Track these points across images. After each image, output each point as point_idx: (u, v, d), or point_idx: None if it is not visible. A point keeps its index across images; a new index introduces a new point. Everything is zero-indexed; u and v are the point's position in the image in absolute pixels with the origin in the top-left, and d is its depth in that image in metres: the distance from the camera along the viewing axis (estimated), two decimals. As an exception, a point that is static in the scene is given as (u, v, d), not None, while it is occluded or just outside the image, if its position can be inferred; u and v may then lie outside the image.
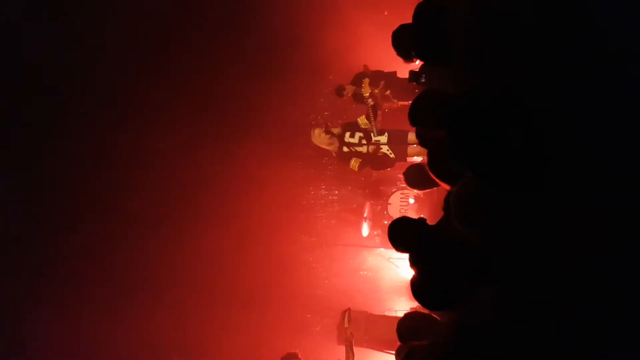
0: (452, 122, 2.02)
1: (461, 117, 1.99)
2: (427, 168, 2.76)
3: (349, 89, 6.82)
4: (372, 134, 6.74)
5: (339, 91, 6.89)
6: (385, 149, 6.80)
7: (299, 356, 5.99)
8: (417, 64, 3.98)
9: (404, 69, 7.38)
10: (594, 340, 1.69)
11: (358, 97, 6.78)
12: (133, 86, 7.91)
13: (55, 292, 7.53)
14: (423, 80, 4.01)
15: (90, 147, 8.02)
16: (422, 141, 3.52)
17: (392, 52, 3.68)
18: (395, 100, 6.86)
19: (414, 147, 6.61)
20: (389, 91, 6.78)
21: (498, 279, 1.89)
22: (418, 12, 2.86)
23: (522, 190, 1.87)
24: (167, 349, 8.00)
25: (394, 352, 4.87)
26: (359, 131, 6.80)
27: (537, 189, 1.84)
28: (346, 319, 6.26)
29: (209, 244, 7.90)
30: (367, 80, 6.61)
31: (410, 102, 2.93)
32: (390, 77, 6.78)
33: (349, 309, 6.40)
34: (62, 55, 7.85)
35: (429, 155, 2.80)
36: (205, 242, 7.92)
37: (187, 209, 8.09)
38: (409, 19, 3.17)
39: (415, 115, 2.90)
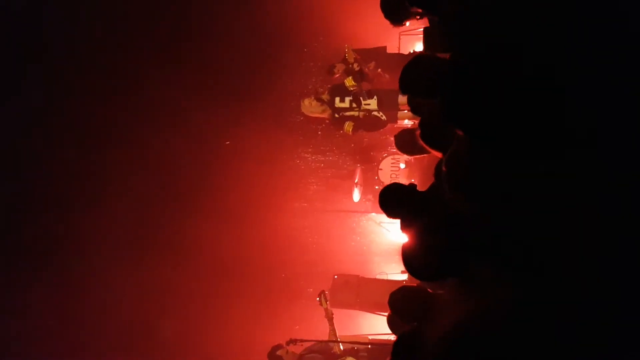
0: (447, 81, 1.99)
1: (456, 77, 1.96)
2: (418, 136, 2.75)
3: (339, 67, 6.79)
4: (360, 98, 6.73)
5: (330, 70, 6.87)
6: (375, 112, 6.82)
7: (284, 346, 6.14)
8: (407, 25, 3.91)
9: (393, 43, 7.38)
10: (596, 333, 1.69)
11: (349, 73, 6.77)
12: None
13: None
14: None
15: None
16: (413, 107, 3.50)
17: (380, 26, 3.62)
18: (386, 75, 6.89)
19: (405, 112, 6.60)
20: (380, 69, 6.78)
21: (492, 251, 1.90)
22: None
23: (516, 157, 1.86)
24: (159, 314, 8.10)
25: (385, 314, 4.97)
26: (348, 95, 6.78)
27: (533, 156, 1.84)
28: (323, 299, 6.41)
29: (198, 212, 7.92)
30: (349, 47, 6.59)
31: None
32: (380, 55, 6.77)
33: (323, 291, 6.53)
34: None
35: (421, 123, 2.78)
36: (195, 210, 7.94)
37: (178, 182, 8.09)
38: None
39: (406, 82, 2.86)
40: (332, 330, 6.31)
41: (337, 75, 6.80)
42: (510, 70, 1.95)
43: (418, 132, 2.75)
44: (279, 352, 6.14)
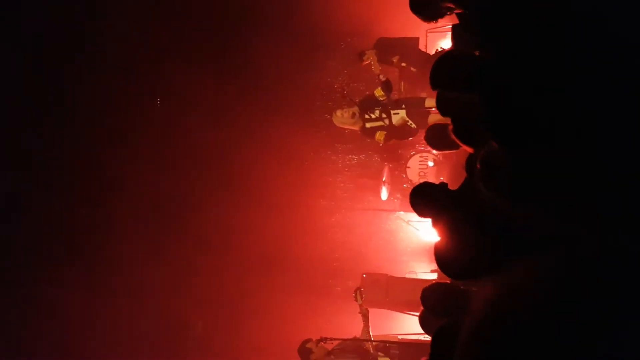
0: (484, 86, 1.96)
1: (495, 81, 1.92)
2: (451, 132, 2.70)
3: (370, 54, 6.77)
4: (389, 107, 6.75)
5: (361, 56, 6.86)
6: (405, 121, 6.83)
7: (314, 340, 6.19)
8: (438, 24, 3.87)
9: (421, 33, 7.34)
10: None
11: (380, 59, 6.77)
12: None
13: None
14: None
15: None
16: (442, 105, 3.45)
17: (406, 24, 3.59)
18: (412, 69, 6.84)
19: (435, 115, 6.55)
20: (404, 63, 6.74)
21: (531, 250, 1.87)
22: None
23: (555, 158, 1.83)
24: (189, 311, 8.20)
25: (416, 314, 4.94)
26: (378, 106, 6.79)
27: (571, 157, 1.80)
28: (358, 296, 6.44)
29: (228, 209, 7.99)
30: (375, 58, 6.59)
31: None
32: (405, 47, 6.74)
33: (359, 288, 6.56)
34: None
35: (453, 118, 2.73)
36: (224, 207, 8.01)
37: (208, 176, 8.16)
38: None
39: (437, 76, 2.81)
40: (366, 327, 6.32)
41: (367, 63, 6.78)
42: (547, 76, 1.91)
43: (450, 127, 2.71)
44: (308, 345, 6.18)
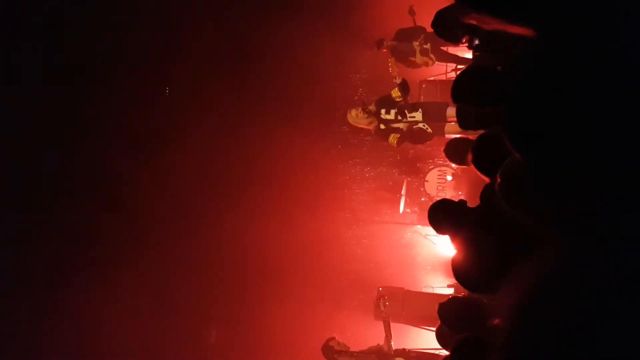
0: (509, 101, 1.97)
1: (518, 96, 1.93)
2: (470, 161, 2.69)
3: (387, 42, 6.81)
4: (405, 110, 6.71)
5: (379, 44, 6.86)
6: (421, 125, 6.76)
7: (337, 339, 6.32)
8: (464, 44, 3.88)
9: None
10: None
11: (395, 52, 6.75)
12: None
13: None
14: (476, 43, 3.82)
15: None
16: (462, 119, 3.46)
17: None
18: (432, 57, 6.80)
19: (453, 125, 6.51)
20: (428, 44, 6.72)
21: (550, 263, 1.87)
22: None
23: (578, 173, 1.83)
24: (206, 323, 8.23)
25: (432, 328, 4.92)
26: (394, 107, 6.76)
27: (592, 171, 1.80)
28: (382, 303, 6.48)
29: (246, 221, 8.02)
30: (393, 60, 6.60)
31: (446, 63, 2.85)
32: (432, 35, 6.71)
33: (383, 295, 6.59)
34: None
35: (473, 148, 2.72)
36: (241, 217, 8.04)
37: (225, 187, 8.22)
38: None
39: (458, 92, 2.82)
40: (388, 335, 6.35)
41: (385, 50, 6.78)
42: (571, 89, 1.92)
43: (470, 156, 2.70)
44: (331, 343, 6.32)
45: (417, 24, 6.92)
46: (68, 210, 7.99)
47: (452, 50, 6.89)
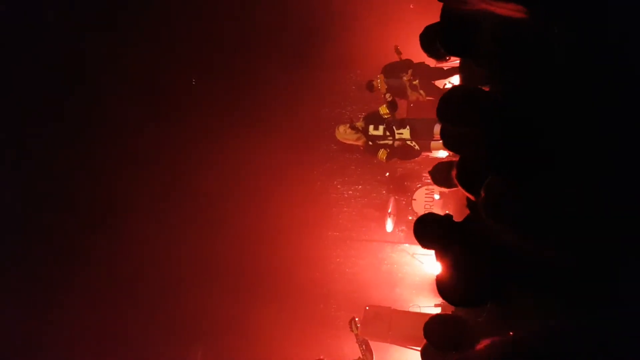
0: (493, 121, 1.98)
1: (503, 115, 1.95)
2: (454, 177, 2.69)
3: (380, 78, 6.85)
4: (393, 127, 6.78)
5: (369, 86, 6.91)
6: (408, 142, 6.84)
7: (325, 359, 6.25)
8: (450, 62, 3.93)
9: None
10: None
11: (389, 86, 6.81)
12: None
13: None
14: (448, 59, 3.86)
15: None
16: (446, 139, 3.47)
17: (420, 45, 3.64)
18: (422, 92, 6.86)
19: (439, 142, 6.57)
20: (417, 80, 6.78)
21: (535, 280, 1.86)
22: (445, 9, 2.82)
23: (558, 189, 1.84)
24: (193, 339, 8.12)
25: (418, 348, 4.87)
26: (382, 123, 6.84)
27: (574, 187, 1.81)
28: (353, 326, 6.45)
29: (232, 239, 7.97)
30: (381, 77, 6.66)
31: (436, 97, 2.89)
32: (419, 67, 6.78)
33: (353, 318, 6.56)
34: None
35: (457, 165, 2.73)
36: (228, 238, 7.99)
37: (211, 204, 8.17)
38: (435, 14, 3.14)
39: (444, 112, 2.84)
40: (367, 357, 6.28)
41: (379, 88, 6.83)
42: (555, 112, 1.94)
43: (454, 172, 2.71)
44: None
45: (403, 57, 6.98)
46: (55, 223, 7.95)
47: (440, 65, 6.97)
